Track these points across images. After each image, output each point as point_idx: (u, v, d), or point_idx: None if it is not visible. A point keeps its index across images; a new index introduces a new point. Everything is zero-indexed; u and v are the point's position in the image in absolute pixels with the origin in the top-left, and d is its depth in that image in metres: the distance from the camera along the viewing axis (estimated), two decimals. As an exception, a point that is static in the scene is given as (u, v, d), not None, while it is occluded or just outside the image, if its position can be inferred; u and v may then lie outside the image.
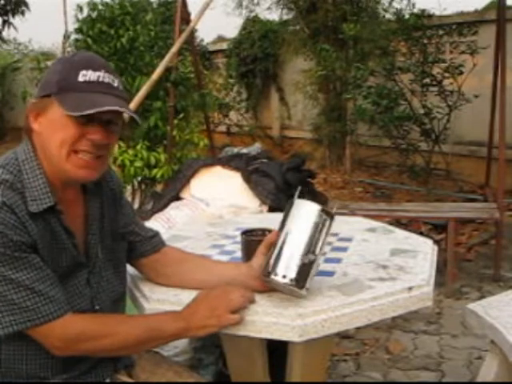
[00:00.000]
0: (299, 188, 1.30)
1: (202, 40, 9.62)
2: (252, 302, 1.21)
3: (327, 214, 1.20)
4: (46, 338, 1.11)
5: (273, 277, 1.17)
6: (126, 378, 1.31)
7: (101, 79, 1.13)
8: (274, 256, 1.19)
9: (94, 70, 1.13)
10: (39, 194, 1.12)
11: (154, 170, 3.74)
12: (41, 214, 1.12)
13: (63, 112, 1.09)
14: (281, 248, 1.19)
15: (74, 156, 1.13)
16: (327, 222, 1.20)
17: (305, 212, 1.21)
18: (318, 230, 1.19)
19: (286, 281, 1.16)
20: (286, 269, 1.17)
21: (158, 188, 3.81)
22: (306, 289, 1.18)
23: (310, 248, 1.19)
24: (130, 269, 1.46)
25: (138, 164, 3.66)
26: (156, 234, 1.41)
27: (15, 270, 1.07)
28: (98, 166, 1.17)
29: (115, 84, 1.16)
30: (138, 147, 3.73)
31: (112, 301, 1.27)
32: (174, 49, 3.75)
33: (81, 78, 1.11)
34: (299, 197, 1.25)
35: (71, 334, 1.12)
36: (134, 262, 1.39)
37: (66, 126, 1.11)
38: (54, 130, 1.12)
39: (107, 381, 1.26)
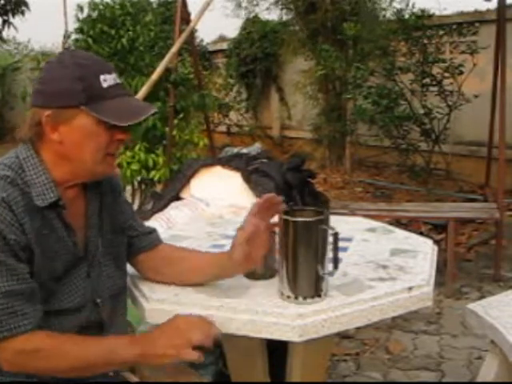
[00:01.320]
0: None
1: (202, 40, 9.62)
2: (216, 341, 1.16)
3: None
4: (1, 351, 1.09)
5: (295, 301, 1.22)
6: (129, 374, 1.31)
7: (117, 81, 1.17)
8: (287, 279, 1.23)
9: (109, 72, 1.16)
10: (43, 190, 1.13)
11: (152, 172, 3.74)
12: (41, 211, 1.12)
13: (94, 120, 1.12)
14: (292, 270, 1.22)
15: (107, 158, 1.18)
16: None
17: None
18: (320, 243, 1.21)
19: (308, 300, 1.21)
20: (303, 289, 1.22)
21: (158, 188, 3.81)
22: (324, 294, 1.23)
23: (319, 262, 1.21)
24: (129, 268, 1.46)
25: (135, 167, 3.66)
26: (153, 231, 1.41)
27: None
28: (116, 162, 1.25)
29: (120, 81, 1.20)
30: (136, 148, 3.73)
31: (111, 295, 1.27)
32: (174, 49, 3.74)
33: (104, 84, 1.14)
34: (300, 197, 1.26)
35: (25, 351, 1.09)
36: (132, 259, 1.38)
37: (98, 132, 1.14)
38: (84, 137, 1.14)
39: (110, 374, 1.26)
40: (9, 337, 1.08)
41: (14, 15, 9.05)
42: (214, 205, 2.62)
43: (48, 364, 1.10)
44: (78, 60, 1.15)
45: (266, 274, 1.36)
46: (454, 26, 5.35)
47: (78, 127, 1.13)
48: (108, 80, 1.14)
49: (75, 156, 1.15)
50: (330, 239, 1.21)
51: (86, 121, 1.12)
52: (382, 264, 1.44)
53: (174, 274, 1.36)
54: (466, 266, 3.75)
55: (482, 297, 3.07)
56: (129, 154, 3.67)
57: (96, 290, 1.23)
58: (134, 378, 1.31)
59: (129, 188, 3.96)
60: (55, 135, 1.13)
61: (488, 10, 5.50)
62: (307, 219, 1.22)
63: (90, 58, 1.18)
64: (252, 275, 1.37)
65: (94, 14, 3.99)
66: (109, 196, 1.31)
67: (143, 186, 4.02)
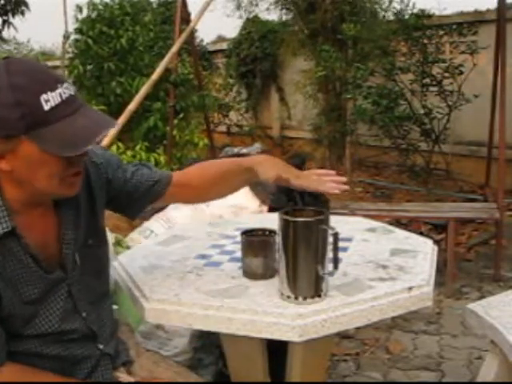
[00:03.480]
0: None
1: (202, 40, 9.62)
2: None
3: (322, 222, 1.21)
4: None
5: (295, 301, 1.22)
6: (125, 375, 1.31)
7: (64, 97, 1.01)
8: (287, 279, 1.23)
9: (52, 88, 1.00)
10: None
11: (154, 171, 3.73)
12: (0, 241, 1.05)
13: (40, 149, 1.00)
14: (292, 270, 1.22)
15: (66, 181, 1.08)
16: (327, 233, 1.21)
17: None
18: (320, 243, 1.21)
19: (308, 300, 1.21)
20: (303, 289, 1.22)
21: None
22: (324, 294, 1.23)
23: (319, 262, 1.21)
24: (129, 269, 1.46)
25: None
26: (158, 180, 1.35)
27: None
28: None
29: (72, 91, 1.04)
30: (138, 148, 3.73)
31: (92, 302, 1.23)
32: (174, 49, 3.75)
33: (46, 107, 0.99)
34: (300, 197, 1.26)
35: None
36: (155, 202, 1.39)
37: (48, 161, 1.02)
38: (33, 166, 1.03)
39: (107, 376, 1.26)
40: None
41: (13, 15, 9.03)
42: (214, 205, 2.63)
43: None
44: (14, 80, 0.99)
45: (266, 274, 1.36)
46: (454, 26, 5.35)
47: (24, 157, 1.01)
48: (51, 99, 0.99)
49: (29, 182, 1.06)
50: (330, 239, 1.21)
51: (30, 150, 1.01)
52: (382, 264, 1.44)
53: (201, 193, 1.43)
54: (465, 266, 3.75)
55: (482, 297, 3.07)
56: (129, 153, 3.67)
57: (78, 305, 1.19)
58: (132, 379, 1.31)
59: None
60: (2, 164, 1.03)
61: (488, 10, 5.50)
62: (307, 219, 1.22)
63: (28, 74, 1.01)
64: (252, 275, 1.37)
65: (93, 15, 3.99)
66: (95, 194, 1.23)
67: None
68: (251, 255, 1.37)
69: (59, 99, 1.01)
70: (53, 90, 1.00)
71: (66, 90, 1.02)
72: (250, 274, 1.37)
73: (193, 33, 4.40)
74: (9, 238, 1.06)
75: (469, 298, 3.19)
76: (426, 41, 5.07)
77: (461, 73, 4.90)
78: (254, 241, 1.40)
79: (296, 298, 1.22)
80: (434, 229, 4.29)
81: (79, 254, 1.20)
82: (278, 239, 1.26)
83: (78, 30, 4.04)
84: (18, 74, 1.00)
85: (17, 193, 1.08)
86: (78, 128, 1.02)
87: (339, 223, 1.50)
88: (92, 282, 1.24)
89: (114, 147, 3.57)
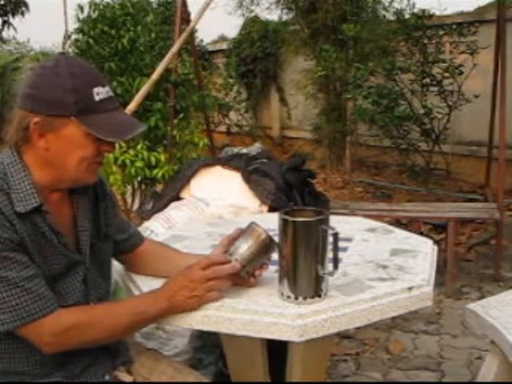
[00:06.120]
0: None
1: (202, 40, 9.62)
2: (227, 285, 1.23)
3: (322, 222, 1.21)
4: (37, 336, 1.13)
5: (295, 301, 1.22)
6: (125, 375, 1.31)
7: (109, 94, 1.18)
8: (287, 279, 1.22)
9: (103, 85, 1.16)
10: (25, 195, 1.13)
11: (155, 171, 3.73)
12: (27, 215, 1.13)
13: (83, 132, 1.13)
14: (292, 270, 1.22)
15: (90, 167, 1.19)
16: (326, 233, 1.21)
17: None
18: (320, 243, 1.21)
19: (308, 300, 1.21)
20: (303, 289, 1.21)
21: (158, 188, 3.80)
22: (324, 294, 1.24)
23: (319, 262, 1.21)
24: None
25: (139, 164, 3.65)
26: (131, 235, 1.42)
27: (4, 269, 1.09)
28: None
29: (112, 93, 1.20)
30: (139, 147, 3.73)
31: (98, 298, 1.29)
32: (174, 49, 3.75)
33: (97, 98, 1.14)
34: (300, 197, 1.26)
35: (62, 330, 1.13)
36: (116, 257, 1.44)
37: (86, 144, 1.15)
38: (70, 147, 1.15)
39: (106, 377, 1.27)
40: (36, 321, 1.11)
41: (13, 15, 9.04)
42: (214, 205, 2.63)
43: (87, 337, 1.16)
44: (72, 70, 1.14)
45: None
46: (454, 26, 5.35)
47: (66, 137, 1.14)
48: (101, 93, 1.15)
49: (59, 164, 1.16)
50: (330, 239, 1.21)
51: (74, 131, 1.13)
52: (382, 264, 1.44)
53: (143, 267, 1.43)
54: (466, 266, 3.75)
55: (481, 297, 3.08)
56: (132, 152, 3.66)
57: (89, 294, 1.26)
58: (131, 379, 1.31)
59: (129, 188, 3.95)
60: (42, 142, 1.14)
61: (488, 10, 5.50)
62: (307, 219, 1.22)
63: (85, 68, 1.18)
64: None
65: (95, 15, 3.98)
66: (99, 202, 1.32)
67: (143, 186, 4.02)
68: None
69: (106, 95, 1.17)
70: (103, 86, 1.17)
71: (109, 90, 1.19)
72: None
73: (193, 33, 4.40)
74: (35, 213, 1.14)
75: (469, 298, 3.20)
76: (426, 41, 5.08)
77: (461, 73, 4.90)
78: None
79: (296, 298, 1.22)
80: (434, 229, 4.29)
81: (90, 244, 1.26)
82: (278, 239, 1.26)
83: (79, 30, 4.04)
84: (77, 66, 1.16)
85: (43, 175, 1.17)
86: (121, 121, 1.19)
87: (339, 223, 1.50)
88: (98, 278, 1.30)
89: (117, 145, 3.56)
